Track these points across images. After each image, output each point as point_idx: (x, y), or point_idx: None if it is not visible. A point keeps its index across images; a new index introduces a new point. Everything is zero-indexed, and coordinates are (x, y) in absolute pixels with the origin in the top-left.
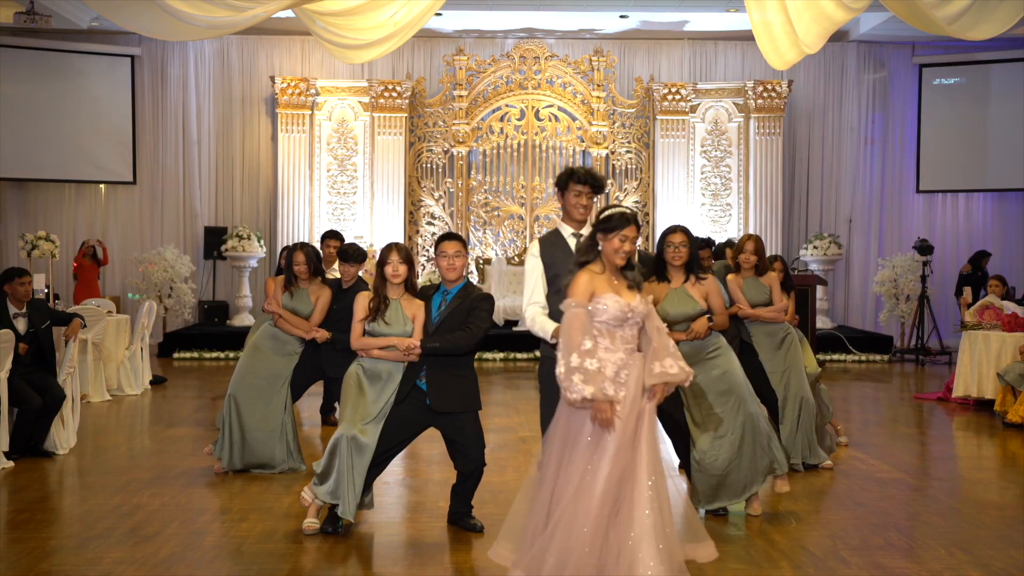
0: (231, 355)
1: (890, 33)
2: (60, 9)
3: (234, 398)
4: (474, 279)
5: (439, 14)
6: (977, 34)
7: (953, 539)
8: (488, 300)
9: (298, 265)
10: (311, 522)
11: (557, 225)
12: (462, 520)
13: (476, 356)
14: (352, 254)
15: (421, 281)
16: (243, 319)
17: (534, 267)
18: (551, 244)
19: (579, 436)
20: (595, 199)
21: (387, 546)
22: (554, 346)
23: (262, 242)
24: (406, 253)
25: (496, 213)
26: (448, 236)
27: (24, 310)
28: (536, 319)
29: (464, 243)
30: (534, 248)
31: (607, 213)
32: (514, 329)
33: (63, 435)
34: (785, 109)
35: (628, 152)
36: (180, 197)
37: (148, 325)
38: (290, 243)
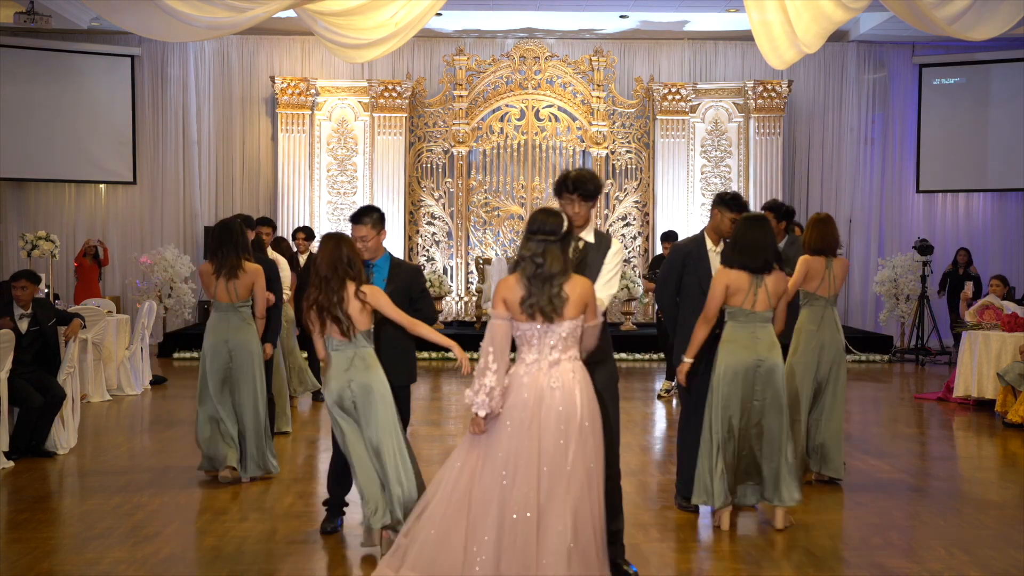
0: None
1: (890, 33)
2: (60, 9)
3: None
4: (474, 279)
5: (439, 14)
6: (977, 34)
7: (953, 539)
8: (425, 285)
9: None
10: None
11: None
12: (332, 510)
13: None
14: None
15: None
16: None
17: None
18: None
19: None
20: (592, 202)
21: (386, 546)
22: None
23: None
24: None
25: (496, 213)
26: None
27: (29, 310)
28: None
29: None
30: None
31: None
32: None
33: (63, 435)
34: (785, 109)
35: (628, 152)
36: (180, 197)
37: (148, 325)
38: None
